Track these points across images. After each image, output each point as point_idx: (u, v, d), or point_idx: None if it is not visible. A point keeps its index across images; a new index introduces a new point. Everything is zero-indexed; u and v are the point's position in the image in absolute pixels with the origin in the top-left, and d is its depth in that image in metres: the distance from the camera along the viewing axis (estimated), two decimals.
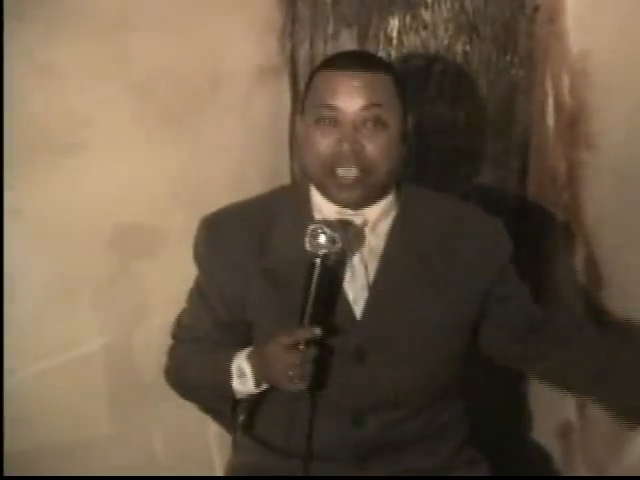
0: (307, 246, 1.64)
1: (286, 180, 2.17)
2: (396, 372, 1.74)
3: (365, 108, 1.67)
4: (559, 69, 2.12)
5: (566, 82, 2.12)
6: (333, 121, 1.68)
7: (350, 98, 1.66)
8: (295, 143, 2.10)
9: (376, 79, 1.68)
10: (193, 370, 1.80)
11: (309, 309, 1.63)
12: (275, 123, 2.15)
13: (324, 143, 1.68)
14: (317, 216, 1.75)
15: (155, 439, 2.20)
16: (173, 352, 1.86)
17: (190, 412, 1.95)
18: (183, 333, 1.84)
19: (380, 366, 1.73)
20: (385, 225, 1.76)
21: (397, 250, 1.75)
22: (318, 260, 1.63)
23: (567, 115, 2.13)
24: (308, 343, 1.62)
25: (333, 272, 1.69)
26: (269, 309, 1.75)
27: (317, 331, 1.62)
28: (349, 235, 1.71)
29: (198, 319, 1.81)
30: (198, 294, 1.82)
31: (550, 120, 2.16)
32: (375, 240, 1.75)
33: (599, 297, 2.17)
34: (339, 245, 1.64)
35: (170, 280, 2.08)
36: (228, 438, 1.97)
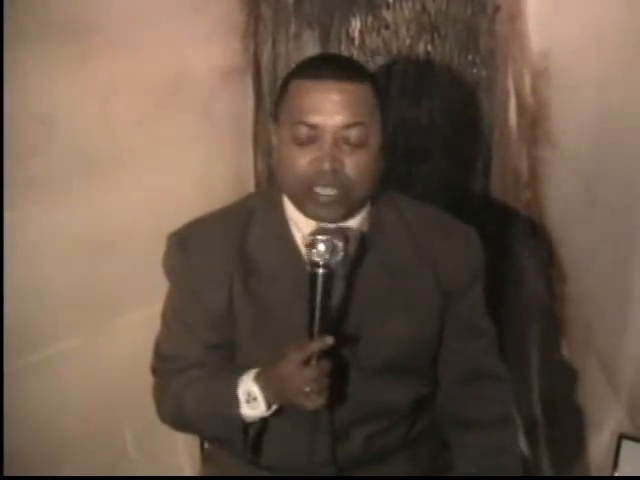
0: (307, 256, 1.56)
1: (250, 180, 2.19)
2: (370, 386, 1.69)
3: (347, 127, 1.56)
4: (520, 68, 2.14)
5: (527, 81, 2.13)
6: (312, 138, 1.57)
7: (331, 115, 1.55)
8: (260, 147, 2.11)
9: (357, 91, 1.57)
10: (193, 406, 1.68)
11: (317, 320, 1.55)
12: (239, 124, 2.16)
13: (302, 161, 1.58)
14: (294, 230, 1.67)
15: (125, 439, 2.20)
16: (163, 390, 1.72)
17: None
18: (167, 366, 1.71)
19: (354, 380, 1.68)
20: (358, 236, 1.67)
21: (367, 264, 1.67)
22: (320, 270, 1.54)
23: (529, 114, 2.15)
24: (320, 357, 1.55)
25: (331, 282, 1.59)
26: (250, 325, 1.67)
27: (329, 340, 1.54)
28: (349, 242, 1.63)
29: (182, 348, 1.69)
30: (178, 321, 1.70)
31: (512, 119, 2.17)
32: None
33: (562, 295, 2.19)
34: (341, 253, 1.57)
35: (135, 284, 2.09)
36: (195, 439, 1.98)
